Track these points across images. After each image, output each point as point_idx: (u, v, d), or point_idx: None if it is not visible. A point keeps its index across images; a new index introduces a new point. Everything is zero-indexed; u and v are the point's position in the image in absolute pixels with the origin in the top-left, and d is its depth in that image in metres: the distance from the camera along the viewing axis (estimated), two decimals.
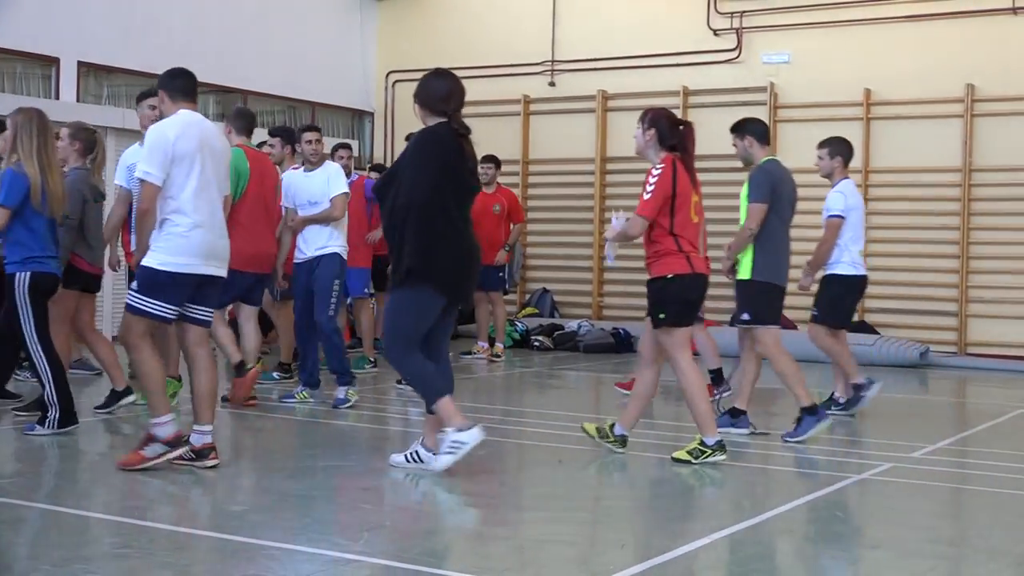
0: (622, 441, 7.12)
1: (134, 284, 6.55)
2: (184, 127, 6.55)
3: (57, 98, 13.69)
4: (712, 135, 15.53)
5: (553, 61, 16.66)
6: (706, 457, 6.89)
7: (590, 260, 16.31)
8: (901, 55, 14.61)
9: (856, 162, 14.72)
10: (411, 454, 6.65)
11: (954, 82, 14.28)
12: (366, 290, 11.48)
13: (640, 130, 7.04)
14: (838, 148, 9.38)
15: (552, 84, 16.72)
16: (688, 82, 15.71)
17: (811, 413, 7.95)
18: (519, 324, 14.99)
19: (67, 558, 4.74)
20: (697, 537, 5.22)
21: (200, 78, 15.09)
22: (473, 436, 6.43)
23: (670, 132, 6.94)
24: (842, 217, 9.09)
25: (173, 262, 6.34)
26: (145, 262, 6.42)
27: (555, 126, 16.65)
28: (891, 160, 14.73)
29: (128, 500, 5.77)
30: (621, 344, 14.26)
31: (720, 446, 6.94)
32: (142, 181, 6.46)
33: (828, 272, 9.28)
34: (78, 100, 13.89)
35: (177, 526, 5.22)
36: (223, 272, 6.67)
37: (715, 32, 15.67)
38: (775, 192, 8.06)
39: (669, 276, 6.90)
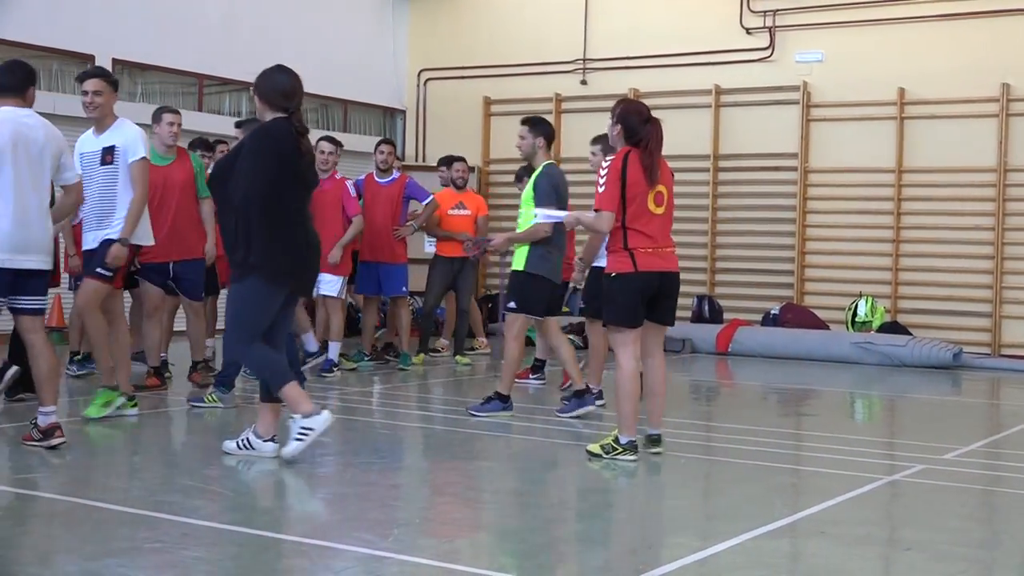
0: (634, 447, 7.03)
1: None
2: None
3: None
4: (744, 134, 15.54)
5: (585, 59, 16.65)
6: (616, 454, 6.90)
7: None
8: (935, 54, 14.51)
9: (889, 162, 14.71)
10: (242, 441, 6.76)
11: (989, 81, 14.17)
12: (404, 288, 11.52)
13: (610, 123, 7.06)
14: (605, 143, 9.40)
15: (584, 82, 16.71)
16: (720, 81, 15.66)
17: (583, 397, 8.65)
18: None
19: (99, 552, 4.78)
20: (727, 537, 5.19)
21: (233, 76, 15.36)
22: (321, 421, 6.54)
23: (637, 128, 6.92)
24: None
25: None
26: None
27: (587, 124, 16.58)
28: (925, 160, 14.63)
29: (158, 495, 5.80)
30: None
31: (632, 446, 6.92)
32: None
33: (594, 265, 9.31)
34: None
35: (209, 521, 5.23)
36: (42, 265, 6.77)
37: (748, 31, 15.60)
38: (558, 193, 8.57)
39: (612, 275, 6.90)
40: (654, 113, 7.05)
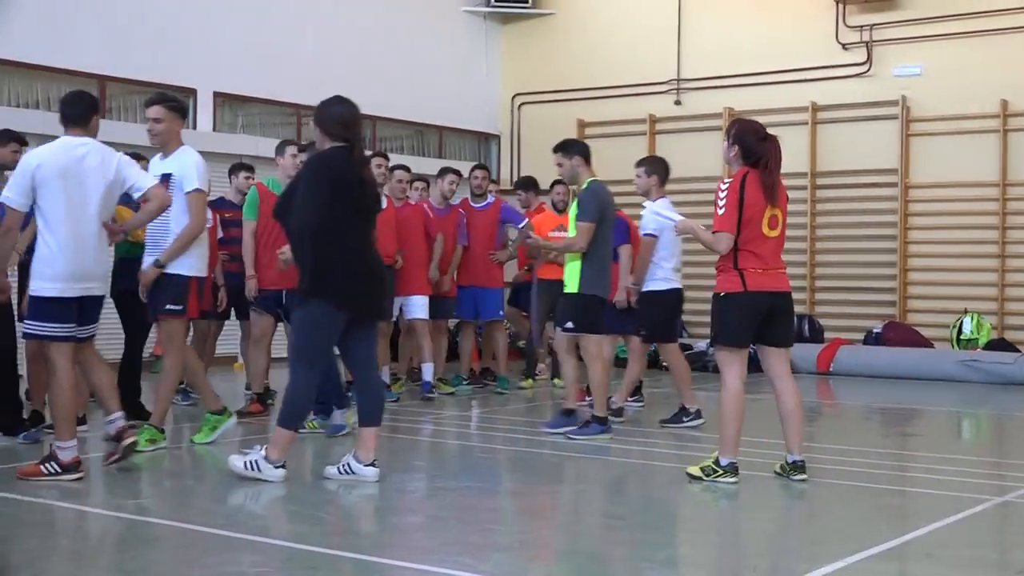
0: (734, 469, 6.94)
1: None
2: (49, 154, 6.81)
3: (194, 128, 14.11)
4: (842, 150, 15.35)
5: (679, 79, 16.60)
6: (716, 476, 6.81)
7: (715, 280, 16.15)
8: None
9: (992, 175, 14.41)
10: (343, 466, 6.84)
11: None
12: (500, 312, 11.63)
13: (726, 144, 6.98)
14: (654, 167, 9.55)
15: (678, 103, 16.66)
16: (816, 97, 15.50)
17: (569, 415, 8.76)
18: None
19: (207, 575, 4.88)
20: (832, 560, 5.11)
21: None
22: (274, 475, 6.67)
23: (755, 147, 6.84)
24: (655, 236, 9.21)
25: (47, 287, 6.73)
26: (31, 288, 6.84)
27: (682, 144, 16.56)
28: None
29: (258, 520, 5.89)
30: (749, 363, 14.12)
31: (733, 468, 6.82)
32: (2, 205, 6.84)
33: (644, 290, 9.40)
34: (214, 129, 14.31)
35: (311, 545, 5.30)
36: (98, 292, 6.92)
37: (844, 46, 15.43)
38: (602, 211, 8.54)
39: (721, 295, 6.84)
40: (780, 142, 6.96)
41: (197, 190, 7.62)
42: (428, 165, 15.39)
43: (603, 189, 8.76)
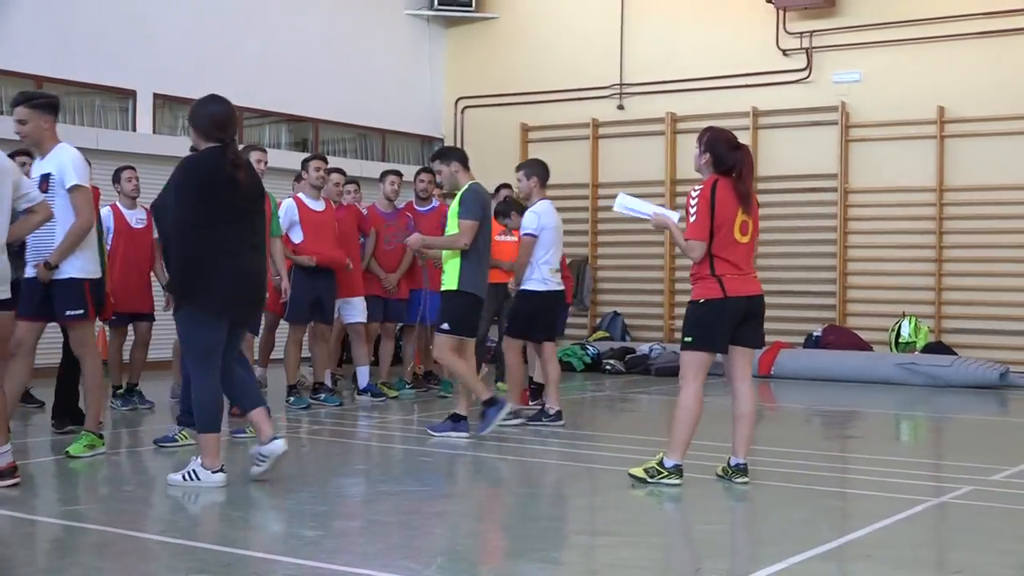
0: (679, 471, 6.98)
1: None
2: None
3: (134, 130, 13.96)
4: (782, 156, 15.49)
5: (622, 84, 16.67)
6: (661, 478, 6.85)
7: (661, 283, 16.25)
8: (975, 72, 14.43)
9: (930, 180, 14.61)
10: (188, 473, 6.74)
11: None
12: None
13: (697, 151, 7.02)
14: (533, 169, 9.82)
15: (621, 107, 16.73)
16: (758, 103, 15.63)
17: (492, 405, 8.62)
18: (590, 348, 14.96)
19: None
20: (774, 561, 5.14)
21: (271, 108, 15.60)
22: (212, 480, 6.63)
23: (726, 156, 6.91)
24: (535, 236, 9.35)
25: None
26: None
27: (625, 149, 16.64)
28: (966, 178, 14.53)
29: (199, 524, 5.83)
30: (635, 364, 14.34)
31: (678, 470, 6.87)
32: None
33: (521, 288, 9.57)
34: (154, 131, 14.16)
35: (253, 551, 5.25)
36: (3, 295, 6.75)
37: (784, 52, 15.59)
38: (484, 211, 8.73)
39: (700, 301, 6.87)
40: (689, 137, 7.04)
41: (77, 186, 7.33)
42: (371, 168, 15.36)
43: (484, 190, 8.92)
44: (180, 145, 14.11)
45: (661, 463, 6.88)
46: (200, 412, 6.72)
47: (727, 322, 6.85)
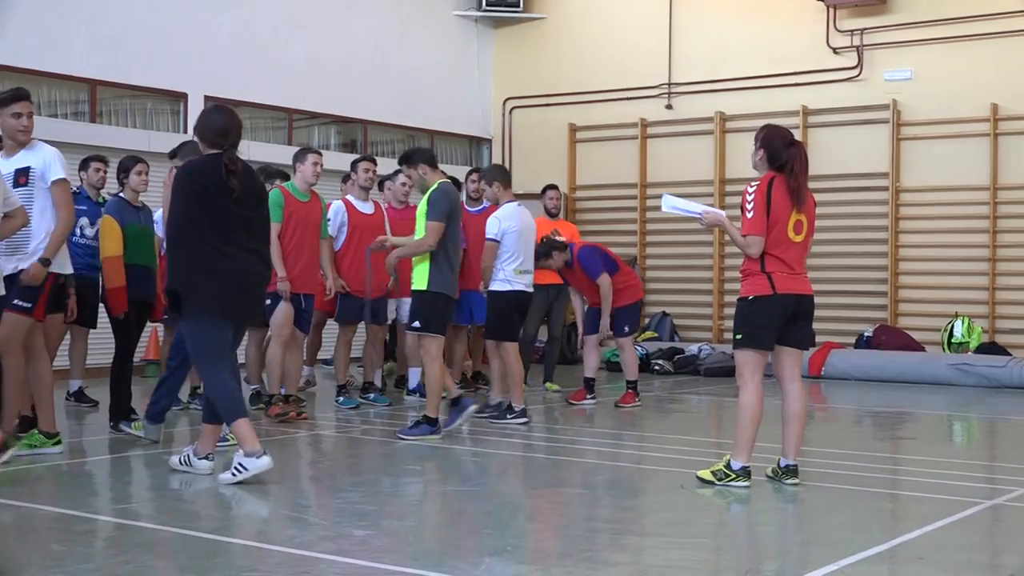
0: (747, 474, 6.96)
1: None
2: None
3: (185, 132, 14.09)
4: (833, 155, 15.37)
5: (670, 84, 16.62)
6: (729, 480, 6.83)
7: (710, 283, 16.18)
8: None
9: (983, 178, 14.44)
10: (183, 458, 7.12)
11: None
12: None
13: (754, 148, 7.03)
14: (492, 175, 10.09)
15: (669, 107, 16.68)
16: (807, 101, 15.53)
17: (456, 405, 8.76)
18: (639, 348, 14.92)
19: None
20: (824, 563, 5.12)
21: (320, 109, 15.71)
22: (260, 465, 6.74)
23: (781, 152, 6.89)
24: (496, 241, 9.55)
25: None
26: None
27: (673, 149, 16.59)
28: (1020, 176, 14.36)
29: (250, 523, 5.88)
30: (684, 365, 14.30)
31: (746, 472, 6.84)
32: None
33: (489, 290, 9.76)
34: None
35: (302, 550, 5.29)
36: None
37: (835, 50, 15.47)
38: (451, 212, 8.74)
39: (749, 298, 6.84)
40: (738, 137, 7.03)
41: (63, 180, 7.46)
42: None
43: (453, 190, 8.93)
44: None
45: (728, 465, 6.86)
46: (222, 405, 6.90)
47: (775, 319, 6.82)
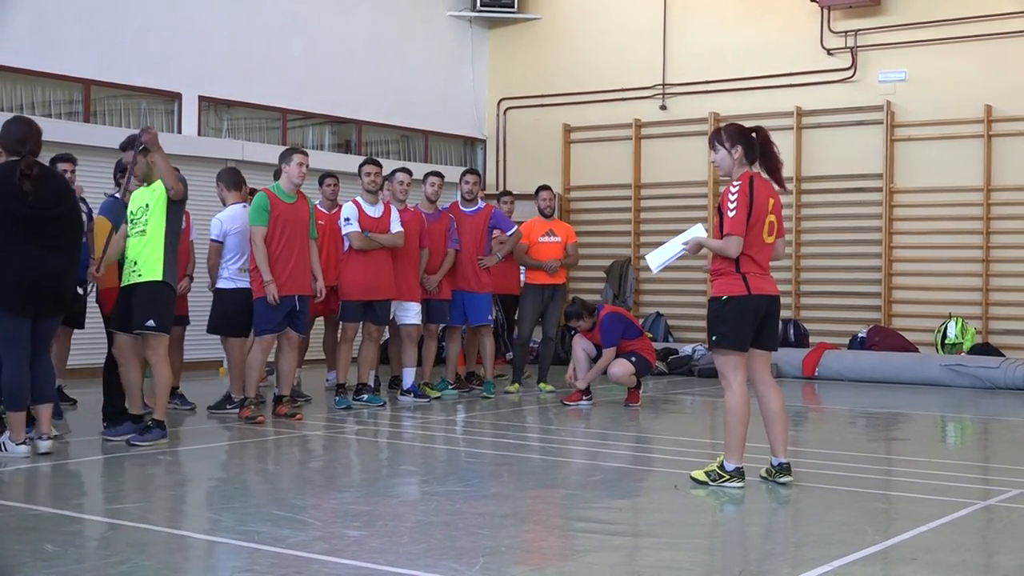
0: (740, 474, 6.96)
1: None
2: None
3: (179, 132, 14.08)
4: (827, 156, 15.39)
5: (664, 84, 16.63)
6: (722, 481, 6.84)
7: (704, 284, 16.18)
8: (1023, 70, 14.26)
9: (977, 180, 14.47)
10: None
11: None
12: (489, 317, 11.68)
13: (723, 151, 6.92)
14: (223, 178, 10.36)
15: (663, 107, 16.69)
16: (802, 102, 15.55)
17: (136, 422, 8.48)
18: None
19: None
20: (818, 564, 5.12)
21: (316, 110, 15.70)
22: (17, 451, 7.57)
23: (754, 145, 6.89)
24: (220, 242, 9.96)
25: None
26: None
27: (667, 149, 16.61)
28: (1014, 177, 14.39)
29: (244, 523, 5.87)
30: (679, 365, 14.29)
31: (739, 473, 6.85)
32: None
33: (216, 288, 10.13)
34: (199, 134, 14.28)
35: (296, 550, 5.29)
36: None
37: (829, 51, 15.49)
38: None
39: (724, 298, 6.82)
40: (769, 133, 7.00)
41: None
42: (414, 170, 15.35)
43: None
44: (225, 147, 14.29)
45: (722, 466, 6.86)
46: (7, 393, 7.60)
47: (750, 320, 6.82)
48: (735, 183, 6.82)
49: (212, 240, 10.01)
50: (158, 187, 8.26)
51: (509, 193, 13.10)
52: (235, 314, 9.89)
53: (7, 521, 5.99)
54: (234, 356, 10.03)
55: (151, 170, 8.31)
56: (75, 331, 9.94)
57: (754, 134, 6.93)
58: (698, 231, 7.16)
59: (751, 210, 6.73)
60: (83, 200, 9.21)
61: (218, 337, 10.34)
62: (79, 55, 13.09)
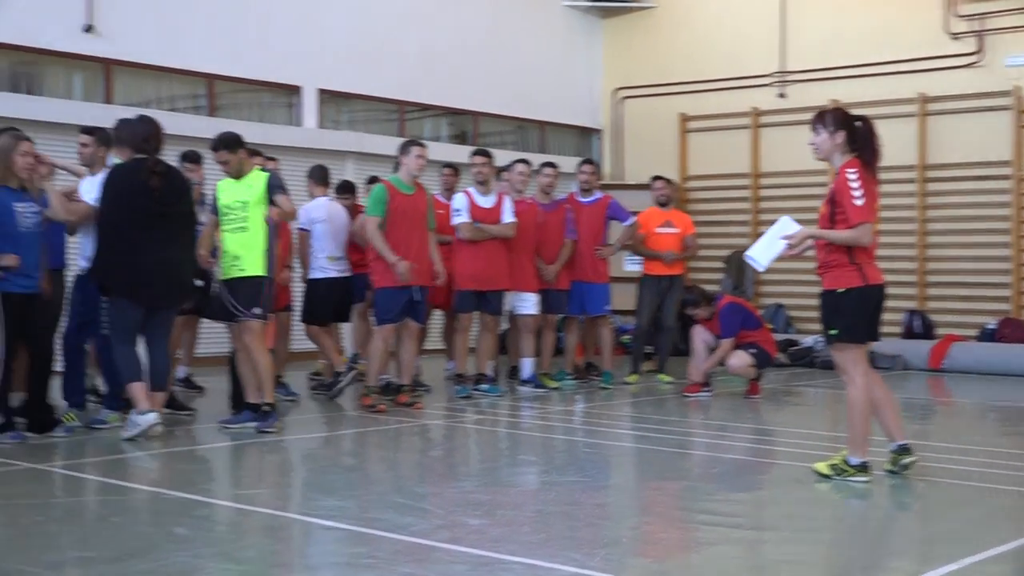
0: (865, 468, 6.81)
1: None
2: None
3: (299, 125, 14.31)
4: (952, 143, 14.99)
5: (783, 72, 16.37)
6: (847, 476, 6.68)
7: None
8: None
9: None
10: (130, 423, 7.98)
11: None
12: (607, 307, 11.64)
13: (824, 134, 6.75)
14: (315, 175, 10.77)
15: (782, 95, 16.43)
16: (925, 88, 15.17)
17: (254, 410, 8.50)
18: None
19: (318, 566, 4.96)
20: (947, 561, 4.99)
21: (432, 101, 15.78)
22: (148, 421, 7.86)
23: (857, 131, 6.70)
24: (307, 230, 10.42)
25: None
26: None
27: (786, 138, 16.34)
28: None
29: (367, 511, 5.94)
30: (801, 357, 14.06)
31: (864, 468, 6.68)
32: None
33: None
34: (319, 126, 14.48)
35: (418, 538, 5.33)
36: None
37: (954, 35, 15.08)
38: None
39: (840, 291, 6.63)
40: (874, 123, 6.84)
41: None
42: (530, 160, 15.40)
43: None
44: (344, 140, 14.47)
45: (846, 460, 6.73)
46: (123, 369, 7.97)
47: (869, 311, 6.65)
48: (850, 170, 6.61)
49: (300, 229, 10.43)
50: (254, 182, 8.43)
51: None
52: (320, 302, 10.36)
53: (139, 505, 6.16)
54: (322, 343, 10.46)
55: (242, 165, 8.50)
56: (201, 320, 10.20)
57: (859, 123, 6.76)
58: (787, 224, 6.86)
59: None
60: (203, 194, 9.44)
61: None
62: (203, 51, 13.38)
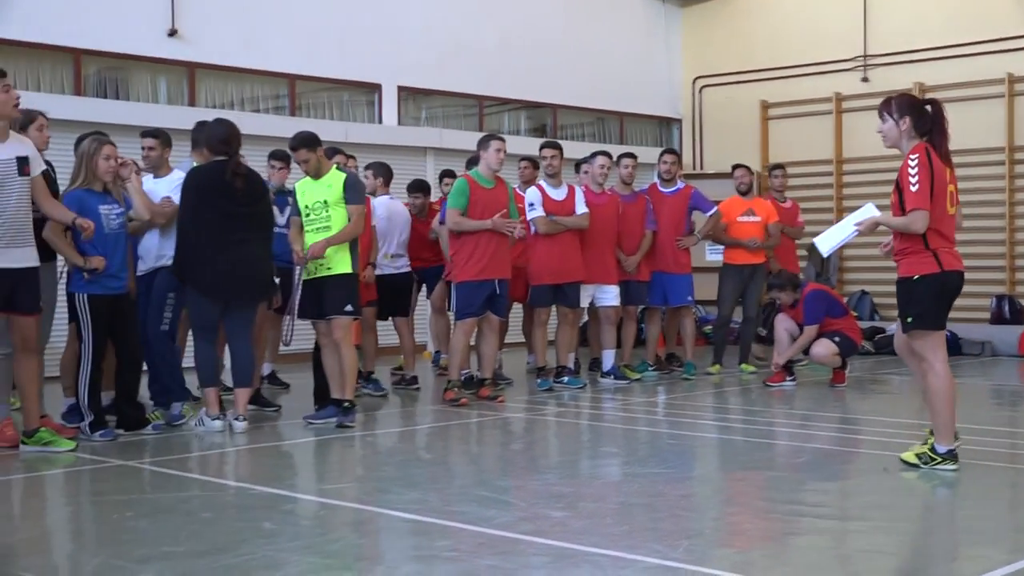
0: (954, 457, 6.70)
1: None
2: None
3: (380, 122, 14.43)
4: None
5: (865, 55, 16.14)
6: (935, 464, 6.56)
7: None
8: None
9: None
10: (198, 420, 8.31)
11: None
12: (689, 298, 11.58)
13: (891, 121, 6.65)
14: (378, 170, 10.67)
15: (865, 79, 16.20)
16: (1013, 69, 14.85)
17: (337, 405, 8.58)
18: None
19: (402, 559, 5.01)
20: None
21: (510, 95, 15.82)
22: (214, 426, 8.17)
23: (926, 117, 6.57)
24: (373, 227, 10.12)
25: None
26: None
27: (869, 123, 16.01)
28: None
29: (450, 504, 5.99)
30: (948, 347, 13.67)
31: (952, 456, 6.55)
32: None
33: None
34: (399, 123, 14.59)
35: (501, 530, 5.36)
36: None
37: None
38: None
39: (915, 277, 6.52)
40: (944, 106, 6.72)
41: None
42: (609, 151, 15.37)
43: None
44: (424, 136, 14.57)
45: (933, 449, 6.63)
46: (200, 371, 8.26)
47: (946, 298, 6.54)
48: (912, 156, 6.51)
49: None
50: (334, 182, 8.52)
51: (780, 167, 12.86)
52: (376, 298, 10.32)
53: (227, 500, 6.27)
54: (367, 339, 10.41)
55: (321, 164, 8.60)
56: (284, 317, 10.29)
57: (928, 106, 6.64)
58: (869, 210, 6.82)
59: (932, 182, 6.45)
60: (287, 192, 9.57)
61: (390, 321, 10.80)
62: (283, 51, 13.55)
